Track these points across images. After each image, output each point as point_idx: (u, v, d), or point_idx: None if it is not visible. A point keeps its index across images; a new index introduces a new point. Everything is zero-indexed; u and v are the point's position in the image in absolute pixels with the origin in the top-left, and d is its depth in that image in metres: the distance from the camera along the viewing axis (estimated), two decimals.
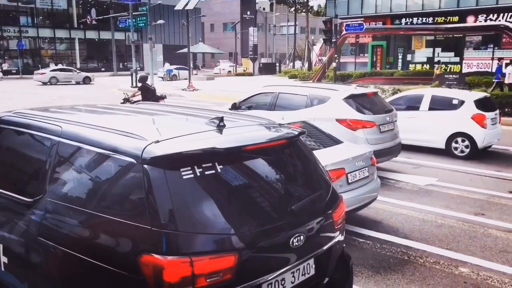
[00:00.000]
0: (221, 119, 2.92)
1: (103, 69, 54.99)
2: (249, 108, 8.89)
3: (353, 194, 5.32)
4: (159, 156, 2.45)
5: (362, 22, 20.70)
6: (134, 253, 2.33)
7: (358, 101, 8.03)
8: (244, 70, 49.15)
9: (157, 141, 2.57)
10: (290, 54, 53.01)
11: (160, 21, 36.06)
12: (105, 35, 54.79)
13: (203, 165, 2.50)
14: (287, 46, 58.74)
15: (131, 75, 29.81)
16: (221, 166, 2.56)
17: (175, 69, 40.98)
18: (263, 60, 56.21)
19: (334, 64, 21.25)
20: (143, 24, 33.30)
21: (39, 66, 47.21)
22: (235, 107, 9.13)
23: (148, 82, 13.06)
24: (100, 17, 46.72)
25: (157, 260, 2.25)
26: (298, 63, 51.38)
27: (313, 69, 36.53)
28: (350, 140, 7.30)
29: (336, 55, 20.46)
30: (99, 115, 3.73)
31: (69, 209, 2.72)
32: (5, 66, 45.72)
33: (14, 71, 46.18)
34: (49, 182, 2.92)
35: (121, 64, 54.54)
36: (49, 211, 2.84)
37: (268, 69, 48.77)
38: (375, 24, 33.93)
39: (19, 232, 2.98)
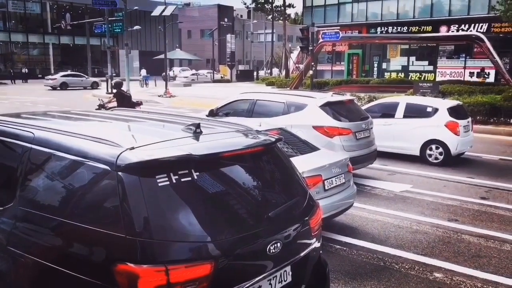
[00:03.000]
0: (197, 126, 2.90)
1: None
2: (227, 114, 8.89)
3: (329, 201, 5.35)
4: (133, 163, 2.40)
5: (338, 30, 21.01)
6: (108, 262, 2.28)
7: (335, 109, 8.11)
8: (221, 77, 49.08)
9: (132, 148, 2.53)
10: (268, 62, 53.30)
11: (137, 27, 35.71)
12: (80, 40, 53.99)
13: (179, 172, 2.47)
14: (264, 53, 59.07)
15: (106, 81, 29.43)
16: (197, 173, 2.53)
17: (184, 77, 40.33)
18: (241, 67, 56.29)
19: (311, 72, 21.45)
20: (119, 30, 32.90)
21: (11, 71, 46.12)
22: (212, 113, 9.11)
23: (124, 88, 12.81)
24: (75, 22, 46.02)
25: (132, 269, 2.21)
26: (275, 71, 51.67)
27: (291, 77, 36.79)
28: (326, 147, 7.36)
29: (312, 63, 20.65)
30: (73, 122, 3.65)
31: (41, 218, 2.65)
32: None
33: None
34: (20, 189, 2.84)
35: (96, 70, 53.77)
36: (19, 219, 2.76)
37: (245, 76, 48.86)
38: (351, 33, 34.49)
39: None
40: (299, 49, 45.45)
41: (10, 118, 3.45)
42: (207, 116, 8.62)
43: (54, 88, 36.12)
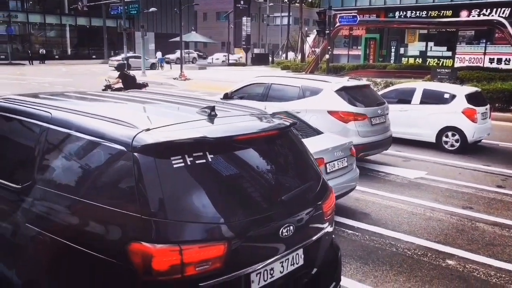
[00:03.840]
0: (212, 109, 2.91)
1: (94, 57, 54.46)
2: (241, 98, 8.82)
3: (331, 184, 5.37)
4: (149, 144, 2.43)
5: (356, 14, 20.68)
6: (123, 241, 2.32)
7: (350, 94, 8.03)
8: (237, 60, 48.87)
9: (148, 129, 2.55)
10: (283, 45, 52.84)
11: (153, 9, 35.73)
12: (97, 22, 54.20)
13: (194, 154, 2.48)
14: (280, 37, 58.53)
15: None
16: (211, 156, 2.54)
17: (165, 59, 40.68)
18: (256, 51, 56.01)
19: (327, 56, 21.22)
20: (135, 12, 32.88)
21: (29, 52, 46.59)
22: (227, 97, 9.09)
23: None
24: (91, 3, 46.07)
25: (146, 248, 2.25)
26: (291, 54, 51.27)
27: (306, 61, 36.44)
28: (341, 132, 7.35)
29: (329, 47, 20.42)
30: (90, 102, 3.69)
31: (58, 196, 2.70)
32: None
33: (3, 57, 45.55)
34: (38, 168, 2.89)
35: (112, 52, 53.98)
36: (37, 198, 2.82)
37: (261, 60, 48.62)
38: (369, 17, 33.93)
39: (8, 218, 2.96)
40: (316, 32, 44.99)
41: (28, 98, 3.50)
42: (221, 99, 8.65)
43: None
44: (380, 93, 10.79)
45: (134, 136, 2.48)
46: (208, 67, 42.69)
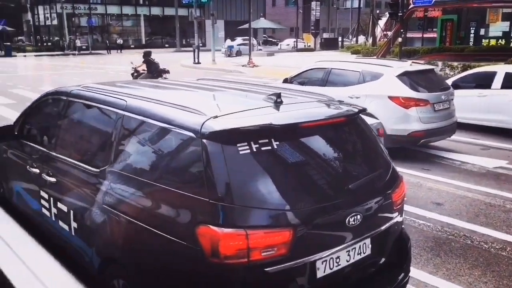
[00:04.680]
0: (278, 95, 2.91)
1: (166, 45, 56.28)
2: (301, 83, 8.77)
3: None
4: (217, 131, 2.49)
5: None
6: (192, 224, 2.41)
7: (412, 78, 7.75)
8: (305, 46, 48.38)
9: (216, 116, 2.61)
10: (353, 29, 51.47)
11: None
12: (169, 11, 55.86)
13: (260, 141, 2.51)
14: (350, 20, 57.10)
15: (194, 51, 30.26)
16: (277, 143, 2.56)
17: (237, 45, 41.12)
18: (325, 35, 54.96)
19: (400, 40, 20.37)
20: (205, 0, 33.56)
21: (107, 42, 49.12)
22: (286, 82, 9.05)
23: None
24: None
25: (214, 232, 2.32)
26: (361, 38, 49.83)
27: (378, 45, 35.27)
28: (401, 118, 7.20)
29: (402, 30, 19.57)
30: (162, 90, 3.84)
31: (133, 180, 2.85)
32: (78, 43, 48.07)
33: (84, 47, 48.41)
34: (115, 153, 3.06)
35: (184, 40, 55.50)
36: (114, 181, 2.99)
37: (330, 45, 47.68)
38: None
39: (87, 200, 3.17)
40: (388, 15, 43.33)
41: (105, 87, 3.71)
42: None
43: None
44: (456, 77, 10.24)
45: (203, 123, 2.55)
46: (277, 53, 42.60)
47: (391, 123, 7.37)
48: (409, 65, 8.26)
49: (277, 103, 2.89)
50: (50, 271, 0.73)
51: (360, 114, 3.09)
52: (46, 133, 4.03)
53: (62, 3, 48.85)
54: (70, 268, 0.74)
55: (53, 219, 3.62)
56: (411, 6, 22.98)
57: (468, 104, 8.76)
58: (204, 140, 2.49)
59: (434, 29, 34.77)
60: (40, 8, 54.04)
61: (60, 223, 3.52)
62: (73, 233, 3.34)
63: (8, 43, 44.03)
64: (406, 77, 7.69)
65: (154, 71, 13.57)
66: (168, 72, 14.30)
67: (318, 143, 2.81)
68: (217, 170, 2.41)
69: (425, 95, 7.62)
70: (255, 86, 3.70)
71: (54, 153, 3.67)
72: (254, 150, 2.48)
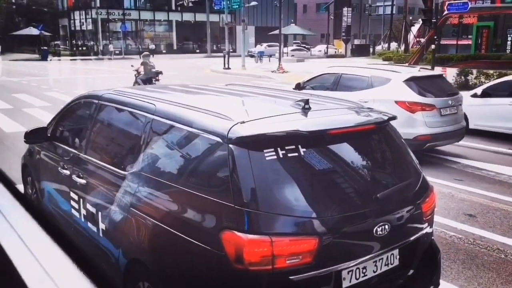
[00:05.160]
0: (306, 102, 2.88)
1: (197, 51, 56.98)
2: (313, 88, 9.00)
3: None
4: (243, 136, 2.48)
5: (466, 1, 19.16)
6: (217, 229, 2.40)
7: (419, 84, 7.93)
8: (336, 52, 48.10)
9: (243, 122, 2.60)
10: (385, 36, 50.86)
11: (254, 3, 36.39)
12: (200, 17, 56.56)
13: (286, 148, 2.49)
14: (382, 26, 56.44)
15: (224, 57, 30.50)
16: (304, 149, 2.53)
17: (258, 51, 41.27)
18: (356, 42, 54.59)
19: (433, 46, 19.97)
20: (237, 6, 33.86)
21: (139, 47, 50.15)
22: (299, 87, 9.25)
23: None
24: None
25: (238, 238, 2.30)
26: (393, 45, 49.19)
27: (410, 51, 34.71)
28: (407, 122, 7.27)
29: (435, 37, 19.18)
30: (190, 95, 3.87)
31: (159, 183, 2.87)
32: (111, 48, 49.26)
33: (118, 52, 49.49)
34: (143, 156, 3.09)
35: (214, 46, 56.06)
36: (141, 184, 3.02)
37: (361, 51, 47.29)
38: (482, 3, 31.25)
39: (115, 202, 3.21)
40: (421, 22, 42.59)
41: (135, 91, 3.77)
42: (293, 89, 8.99)
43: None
44: (486, 85, 10.20)
45: (230, 128, 2.54)
46: (307, 59, 42.48)
47: (397, 126, 7.37)
48: (417, 71, 8.46)
49: (305, 109, 2.86)
50: (64, 271, 0.73)
51: (390, 122, 3.02)
52: (77, 135, 4.12)
53: (97, 8, 50.18)
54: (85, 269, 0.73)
55: (83, 220, 3.69)
56: (445, 12, 22.52)
57: (499, 113, 8.52)
58: (231, 145, 2.48)
59: (469, 36, 34.02)
60: (76, 13, 55.63)
61: (89, 224, 3.58)
62: (101, 234, 3.39)
63: (45, 47, 45.44)
64: (413, 82, 7.85)
65: (148, 72, 15.82)
66: (161, 73, 16.38)
67: (346, 151, 2.77)
68: (243, 175, 2.40)
69: (431, 100, 7.75)
70: (284, 92, 3.68)
71: (84, 155, 3.75)
72: (281, 156, 2.46)
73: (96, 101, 3.93)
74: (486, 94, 9.96)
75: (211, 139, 2.63)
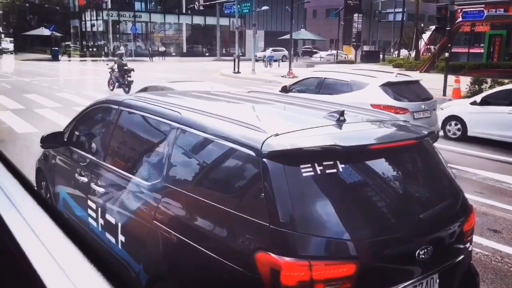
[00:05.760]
0: (341, 113, 2.73)
1: (207, 54, 56.98)
2: (299, 91, 9.43)
3: None
4: (279, 150, 2.33)
5: (482, 9, 18.95)
6: (250, 250, 2.25)
7: (394, 88, 8.37)
8: (345, 58, 47.94)
9: (277, 134, 2.45)
10: (395, 42, 50.60)
11: (265, 7, 36.30)
12: (210, 20, 56.61)
13: (324, 163, 2.33)
14: (392, 33, 56.19)
15: (234, 60, 30.41)
16: (342, 165, 2.37)
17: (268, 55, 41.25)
18: (365, 48, 54.35)
19: (446, 54, 19.77)
20: (247, 11, 33.83)
21: (149, 49, 50.24)
22: (285, 89, 9.74)
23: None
24: (207, 3, 48.29)
25: (274, 260, 2.15)
26: (403, 52, 48.91)
27: (421, 58, 34.48)
28: None
29: (449, 44, 18.97)
30: (216, 103, 3.72)
31: (185, 197, 2.72)
32: (123, 49, 49.41)
33: (127, 54, 49.62)
34: (167, 167, 2.94)
35: (224, 49, 56.03)
36: (166, 196, 2.87)
37: (371, 57, 47.05)
38: (495, 11, 30.97)
39: (136, 214, 3.07)
40: (432, 29, 42.31)
41: (158, 97, 3.62)
42: (280, 91, 9.65)
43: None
44: (485, 93, 10.44)
45: (264, 141, 2.39)
46: (317, 64, 42.33)
47: None
48: (394, 76, 9.00)
49: (340, 121, 2.71)
50: (80, 269, 0.72)
51: (429, 137, 2.87)
52: (96, 142, 3.99)
53: (108, 10, 50.34)
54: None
55: (100, 229, 3.55)
56: (459, 20, 22.32)
57: (498, 121, 8.55)
58: (265, 160, 2.33)
59: (481, 44, 33.71)
60: (87, 14, 55.88)
61: (107, 234, 3.44)
62: (120, 246, 3.24)
63: (56, 48, 45.64)
64: (388, 87, 8.32)
65: (121, 70, 17.72)
66: (132, 70, 18.08)
67: (385, 168, 2.61)
68: (278, 192, 2.25)
69: (405, 104, 8.18)
70: (315, 101, 3.52)
71: (103, 163, 3.61)
72: (318, 172, 2.30)
73: (116, 107, 3.79)
74: (485, 102, 10.06)
75: (243, 152, 2.47)
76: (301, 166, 2.30)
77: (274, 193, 2.25)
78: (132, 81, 17.64)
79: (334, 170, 2.35)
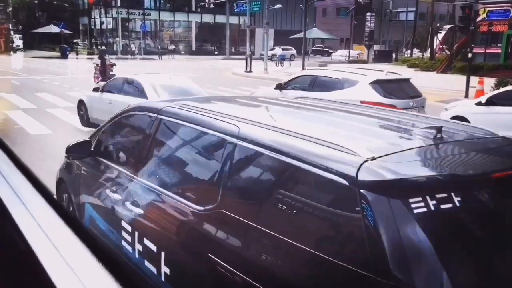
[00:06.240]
0: (439, 130, 2.25)
1: (216, 53, 56.51)
2: (293, 88, 9.70)
3: None
4: (382, 180, 1.85)
5: (509, 8, 18.33)
6: None
7: (383, 86, 8.58)
8: (357, 57, 47.35)
9: (373, 158, 1.97)
10: (408, 42, 49.87)
11: (278, 6, 35.82)
12: (220, 19, 56.14)
13: (437, 196, 1.85)
14: (404, 33, 55.46)
15: (246, 59, 29.91)
16: (458, 198, 1.89)
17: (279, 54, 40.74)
18: (376, 47, 53.62)
19: (470, 55, 19.14)
20: (257, 9, 33.31)
21: (158, 47, 49.89)
22: (280, 87, 9.94)
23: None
24: (217, 1, 47.83)
25: None
26: (415, 51, 48.18)
27: (436, 58, 33.79)
28: None
29: (473, 45, 18.33)
30: (273, 113, 3.23)
31: (251, 229, 2.25)
32: (133, 47, 49.17)
33: (137, 51, 49.30)
34: (223, 190, 2.47)
35: (233, 48, 55.54)
36: (223, 225, 2.41)
37: (383, 57, 46.33)
38: None
39: (185, 243, 2.62)
40: (446, 29, 41.60)
41: (205, 105, 3.16)
42: (274, 89, 9.99)
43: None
44: (491, 93, 10.24)
45: (359, 167, 1.91)
46: (329, 64, 41.76)
47: None
48: (384, 74, 9.17)
49: (438, 140, 2.22)
50: (88, 267, 0.75)
51: None
52: (130, 154, 3.54)
53: (118, 8, 50.02)
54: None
55: (137, 256, 3.09)
56: (480, 18, 21.69)
57: (503, 122, 8.23)
58: (363, 191, 1.85)
59: (498, 44, 32.93)
60: (97, 12, 55.62)
61: (146, 263, 2.97)
62: (163, 279, 2.78)
63: (65, 45, 45.37)
64: (378, 84, 8.54)
65: (104, 65, 18.69)
66: (115, 65, 19.36)
67: (507, 201, 2.12)
68: (385, 234, 1.77)
69: (393, 101, 8.29)
70: (393, 112, 3.03)
71: (142, 180, 3.14)
72: (432, 208, 1.82)
73: (154, 115, 3.31)
74: (491, 102, 9.74)
75: (328, 179, 1.98)
76: (411, 200, 1.82)
77: (380, 235, 1.77)
78: (114, 75, 17.45)
79: (450, 205, 1.86)
